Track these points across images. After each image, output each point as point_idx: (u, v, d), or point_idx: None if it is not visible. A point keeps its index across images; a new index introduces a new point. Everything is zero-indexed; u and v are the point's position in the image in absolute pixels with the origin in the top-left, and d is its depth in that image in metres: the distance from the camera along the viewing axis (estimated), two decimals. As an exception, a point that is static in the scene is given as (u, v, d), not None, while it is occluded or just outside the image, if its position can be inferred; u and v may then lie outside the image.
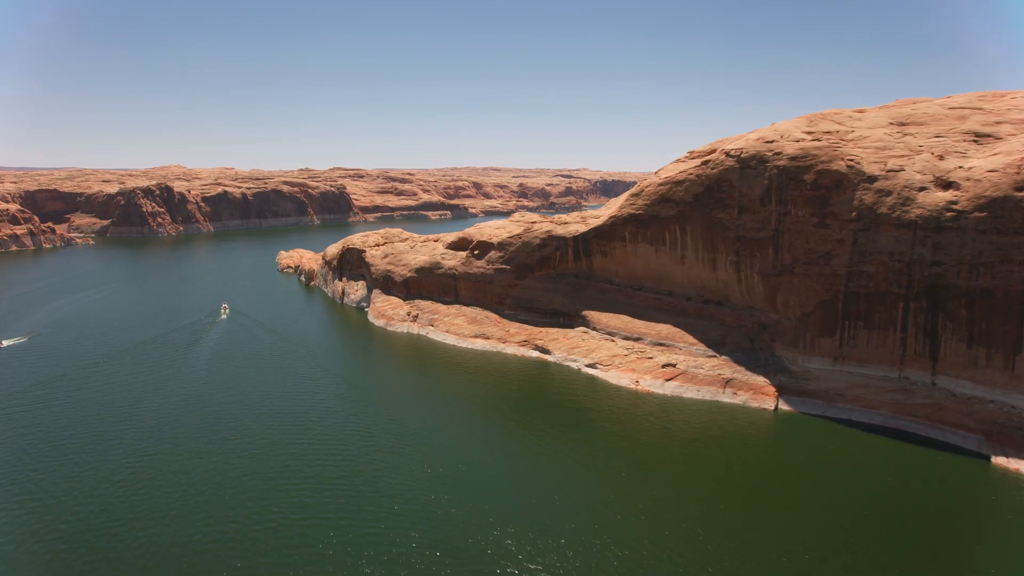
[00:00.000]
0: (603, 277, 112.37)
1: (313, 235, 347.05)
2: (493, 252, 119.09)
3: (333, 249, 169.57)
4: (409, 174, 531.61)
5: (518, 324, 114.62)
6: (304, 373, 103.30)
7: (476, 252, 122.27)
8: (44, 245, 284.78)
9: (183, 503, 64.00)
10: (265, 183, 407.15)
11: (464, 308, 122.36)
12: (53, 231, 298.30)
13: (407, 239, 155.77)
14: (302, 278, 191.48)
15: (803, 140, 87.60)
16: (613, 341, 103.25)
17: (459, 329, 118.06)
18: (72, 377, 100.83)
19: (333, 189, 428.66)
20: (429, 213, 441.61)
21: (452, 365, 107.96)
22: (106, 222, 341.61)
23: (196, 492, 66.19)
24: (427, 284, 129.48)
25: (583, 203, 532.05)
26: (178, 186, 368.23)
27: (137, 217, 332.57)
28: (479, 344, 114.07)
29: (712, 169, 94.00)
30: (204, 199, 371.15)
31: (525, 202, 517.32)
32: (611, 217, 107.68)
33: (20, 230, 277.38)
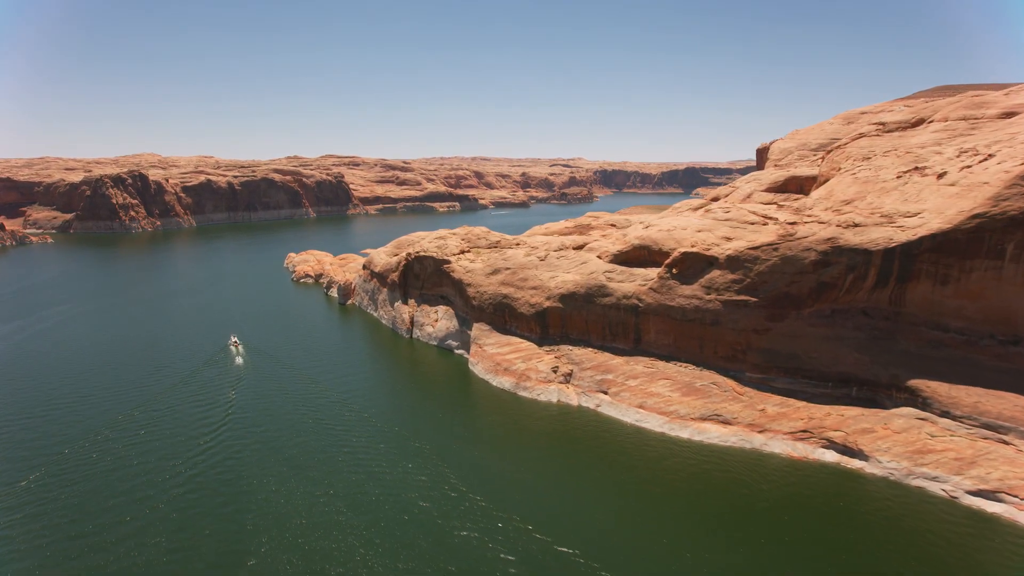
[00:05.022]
0: (925, 318, 62.32)
1: (313, 231, 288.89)
2: (717, 272, 67.88)
3: (386, 257, 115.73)
4: (406, 163, 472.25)
5: (778, 398, 63.90)
6: (437, 498, 50.94)
7: (677, 271, 70.80)
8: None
9: None
10: (253, 171, 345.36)
11: (660, 364, 70.87)
12: (2, 227, 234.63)
13: (498, 241, 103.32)
14: (332, 293, 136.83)
15: None
16: (1006, 443, 53.40)
17: (665, 403, 66.64)
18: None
19: (330, 178, 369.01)
20: (436, 205, 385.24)
21: (671, 474, 57.26)
22: (69, 216, 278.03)
23: None
24: (578, 320, 77.45)
25: (594, 194, 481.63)
26: (154, 174, 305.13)
27: (106, 210, 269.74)
28: (713, 432, 62.99)
29: None
30: (184, 189, 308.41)
31: (532, 192, 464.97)
32: (973, 217, 57.46)
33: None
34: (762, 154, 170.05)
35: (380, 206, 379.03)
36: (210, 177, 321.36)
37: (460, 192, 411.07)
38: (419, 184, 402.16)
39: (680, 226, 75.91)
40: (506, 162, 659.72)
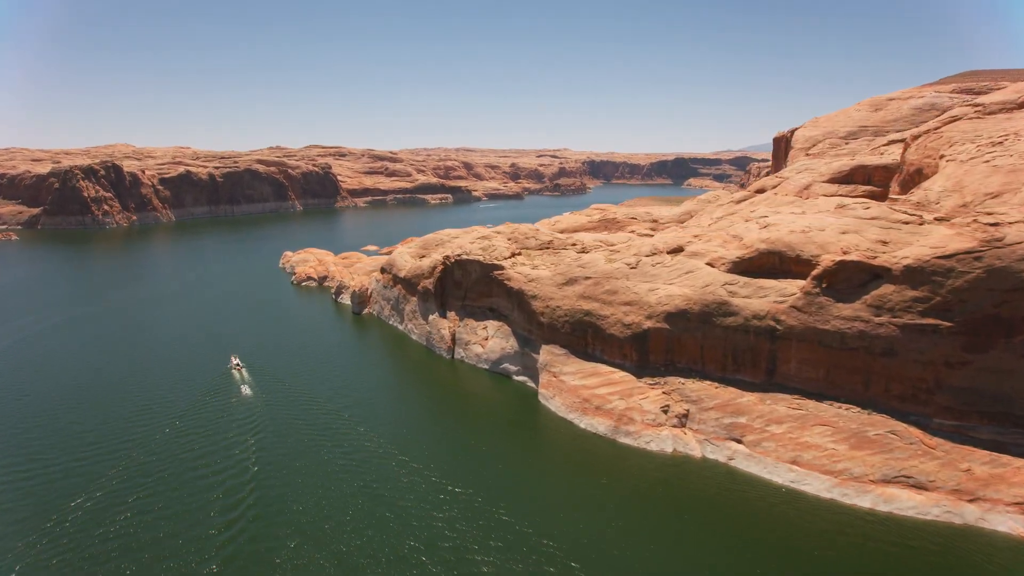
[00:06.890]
0: None
1: (302, 225, 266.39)
2: (889, 288, 51.62)
3: (412, 259, 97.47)
4: (394, 154, 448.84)
5: (984, 453, 48.10)
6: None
7: (828, 285, 54.42)
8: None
9: None
10: (236, 162, 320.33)
11: (810, 404, 54.52)
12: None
13: (550, 242, 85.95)
14: (343, 299, 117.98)
15: None
16: None
17: (829, 459, 50.40)
18: None
19: (316, 169, 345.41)
20: (428, 197, 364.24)
21: (852, 558, 41.38)
22: (36, 210, 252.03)
23: None
24: (691, 345, 60.68)
25: (586, 185, 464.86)
26: (128, 165, 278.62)
27: (76, 204, 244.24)
28: (905, 501, 47.01)
29: None
30: (162, 181, 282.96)
31: (524, 184, 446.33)
32: None
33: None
34: (780, 143, 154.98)
35: (369, 198, 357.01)
36: (190, 168, 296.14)
37: (451, 184, 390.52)
38: (409, 175, 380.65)
39: (816, 226, 59.53)
40: (492, 153, 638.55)
